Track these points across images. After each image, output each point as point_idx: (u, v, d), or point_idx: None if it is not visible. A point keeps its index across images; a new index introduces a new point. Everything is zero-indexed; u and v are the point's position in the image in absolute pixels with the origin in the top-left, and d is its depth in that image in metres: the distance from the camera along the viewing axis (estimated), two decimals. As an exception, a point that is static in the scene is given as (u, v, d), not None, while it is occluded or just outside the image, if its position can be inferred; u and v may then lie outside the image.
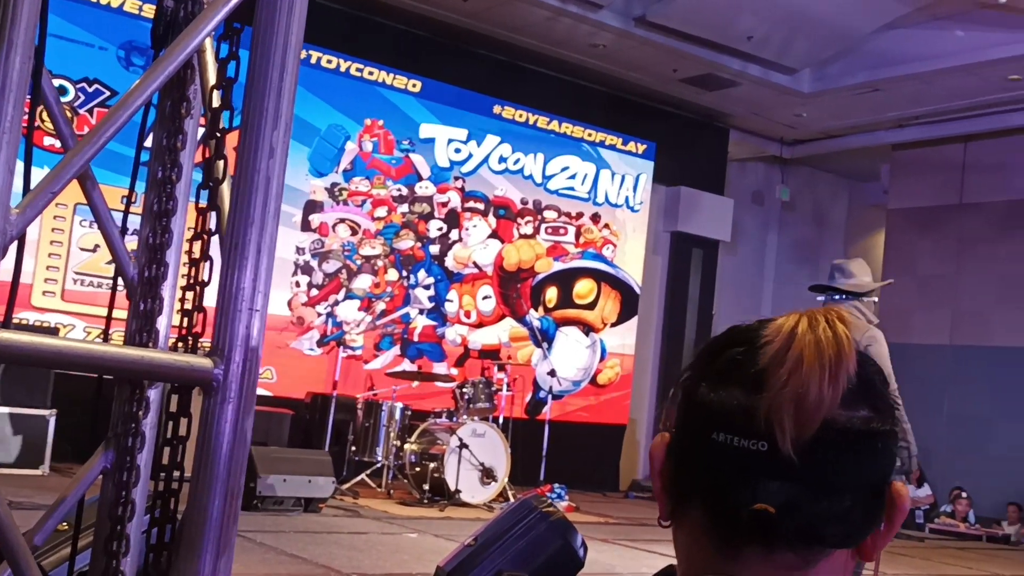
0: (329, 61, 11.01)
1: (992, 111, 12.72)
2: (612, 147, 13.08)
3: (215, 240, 1.76)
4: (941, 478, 12.56)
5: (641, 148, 13.29)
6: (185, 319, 1.75)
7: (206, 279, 1.76)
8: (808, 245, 15.72)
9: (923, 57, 11.73)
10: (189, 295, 1.75)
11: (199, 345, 1.75)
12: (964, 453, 12.49)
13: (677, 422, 0.89)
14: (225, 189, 1.76)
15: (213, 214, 1.77)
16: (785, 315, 0.87)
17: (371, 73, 11.37)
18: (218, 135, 1.78)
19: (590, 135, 12.91)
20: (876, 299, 5.92)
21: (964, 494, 12.10)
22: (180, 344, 1.75)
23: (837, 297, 5.82)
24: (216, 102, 1.80)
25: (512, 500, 8.34)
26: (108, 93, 9.75)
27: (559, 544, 3.77)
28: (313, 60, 10.85)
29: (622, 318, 13.10)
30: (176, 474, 1.71)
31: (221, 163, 1.77)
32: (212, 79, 1.84)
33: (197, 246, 1.77)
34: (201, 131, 1.90)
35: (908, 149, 14.08)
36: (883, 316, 14.99)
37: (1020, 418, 12.31)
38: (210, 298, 1.74)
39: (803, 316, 0.86)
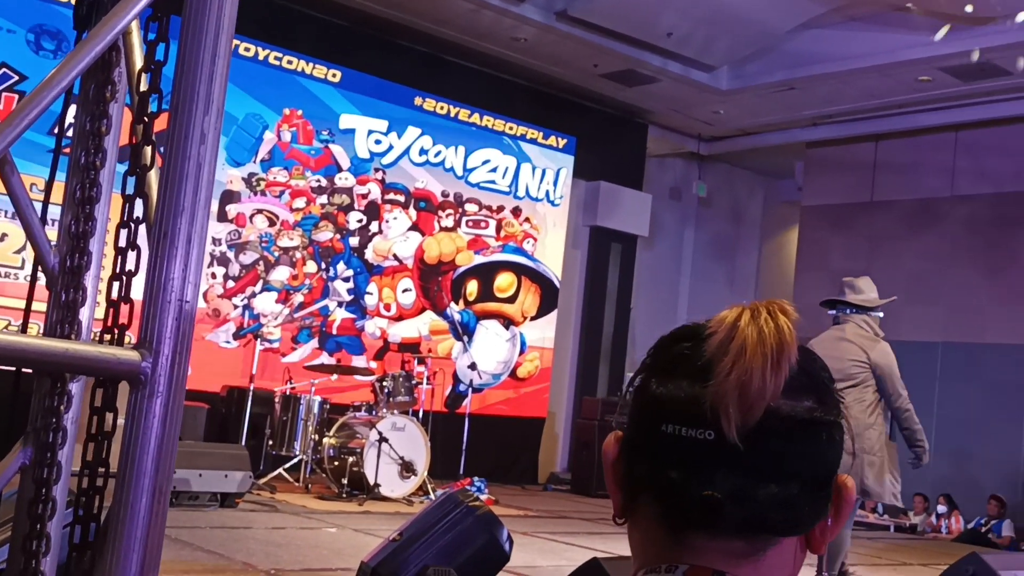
0: (247, 49, 10.82)
1: (903, 111, 13.03)
2: (533, 141, 13.10)
3: (141, 228, 1.70)
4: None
5: (562, 143, 13.34)
6: (111, 310, 1.68)
7: (133, 269, 1.70)
8: (724, 241, 15.94)
9: (837, 57, 11.97)
10: (115, 285, 1.68)
11: (125, 337, 1.69)
12: (873, 445, 12.78)
13: (629, 419, 0.91)
14: (153, 176, 1.70)
15: (139, 201, 1.71)
16: (729, 307, 0.88)
17: (290, 62, 11.20)
18: (146, 120, 1.72)
19: (511, 128, 12.91)
20: (881, 314, 6.40)
21: (873, 485, 12.38)
22: (106, 336, 1.69)
23: (848, 311, 6.29)
24: (144, 86, 1.74)
25: (432, 494, 8.31)
26: (16, 78, 9.45)
27: (486, 538, 3.76)
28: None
29: (542, 312, 13.14)
30: (101, 471, 1.65)
31: (149, 149, 1.71)
32: (139, 62, 1.78)
33: (124, 234, 1.71)
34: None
35: (822, 147, 14.36)
36: (797, 311, 15.27)
37: (925, 411, 12.63)
38: (136, 289, 1.68)
39: (746, 308, 0.87)
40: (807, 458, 0.86)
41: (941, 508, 12.09)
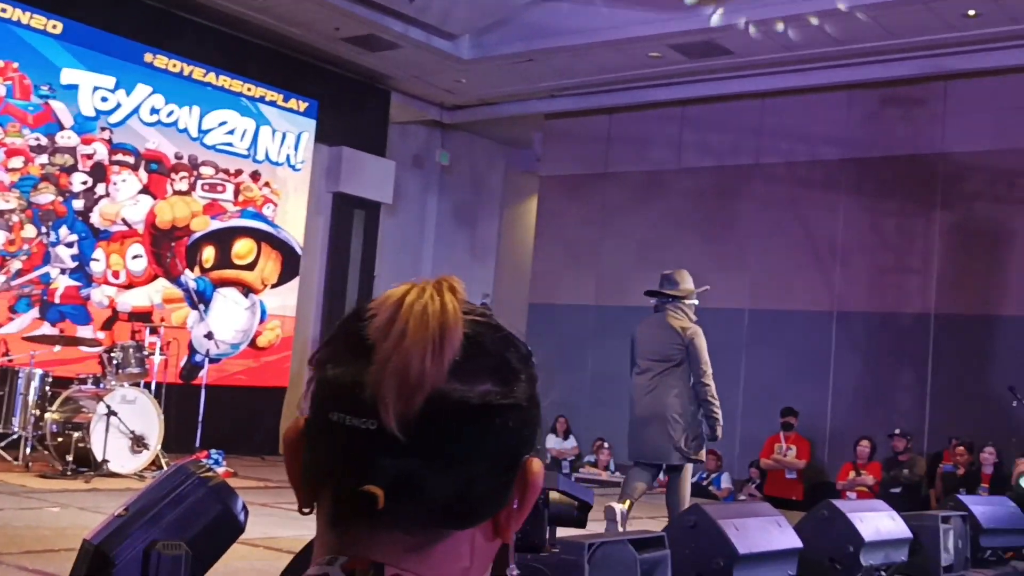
0: (-46, -7, 9.91)
1: (634, 86, 13.57)
2: (273, 103, 12.72)
3: None
4: (585, 430, 13.36)
5: (303, 106, 13.03)
6: None
7: None
8: (466, 209, 16.12)
9: (573, 31, 12.30)
10: None
11: None
12: (606, 407, 13.30)
13: (309, 404, 0.85)
14: None
15: None
16: (398, 285, 0.84)
17: (4, 11, 10.35)
18: None
19: (249, 90, 12.48)
20: (696, 302, 7.32)
21: (606, 445, 12.93)
22: None
23: (666, 301, 7.22)
24: None
25: (166, 468, 7.96)
26: None
27: (219, 510, 3.62)
28: (-66, -10, 9.72)
29: (283, 279, 12.84)
30: None
31: None
32: None
33: None
34: None
35: (559, 119, 14.75)
36: (535, 278, 15.65)
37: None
38: None
39: (413, 287, 0.83)
40: (481, 446, 0.81)
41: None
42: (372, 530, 0.81)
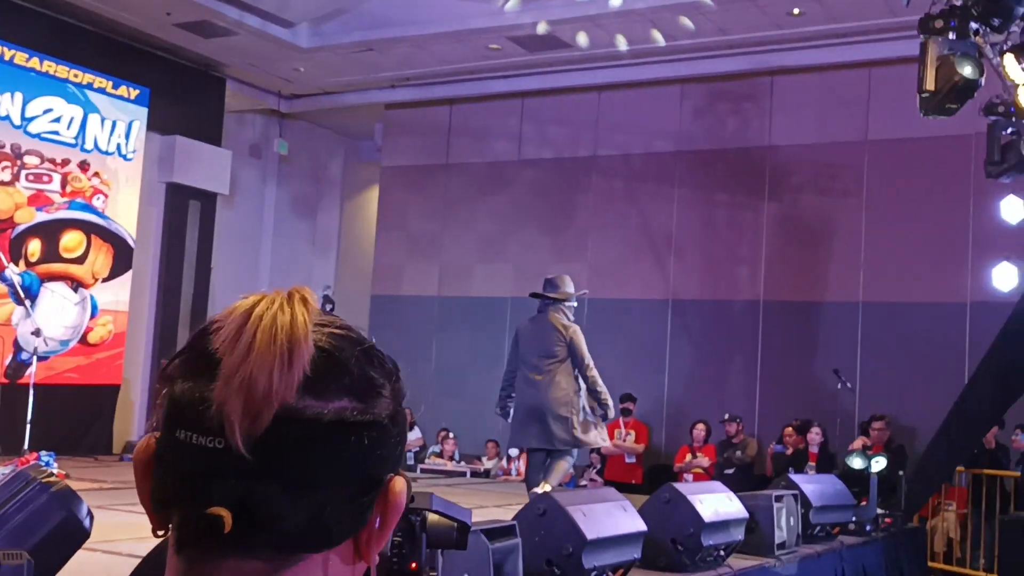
0: None
1: (475, 77, 13.63)
2: (101, 90, 12.22)
3: None
4: (430, 421, 13.37)
5: (134, 93, 12.56)
6: None
7: None
8: (306, 200, 15.89)
9: (413, 21, 12.26)
10: None
11: None
12: (450, 397, 13.36)
13: (161, 422, 0.82)
14: None
15: None
16: (247, 295, 0.80)
17: None
18: None
19: (76, 76, 11.95)
20: (575, 304, 8.00)
21: (450, 435, 12.98)
22: None
23: (549, 303, 7.81)
24: None
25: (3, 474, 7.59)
26: None
27: (63, 516, 3.48)
28: None
29: (115, 273, 12.36)
30: None
31: None
32: None
33: None
34: None
35: (400, 109, 14.68)
36: (377, 270, 15.53)
37: (495, 363, 13.41)
38: None
39: (263, 297, 0.79)
40: (335, 465, 0.78)
41: (513, 452, 12.92)
42: (220, 555, 0.77)
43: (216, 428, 0.76)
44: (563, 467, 7.73)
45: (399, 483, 0.83)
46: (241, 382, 0.75)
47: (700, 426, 11.56)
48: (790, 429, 11.11)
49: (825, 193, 12.16)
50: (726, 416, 11.52)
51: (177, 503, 0.79)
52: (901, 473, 8.98)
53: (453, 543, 2.11)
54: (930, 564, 9.54)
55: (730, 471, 10.89)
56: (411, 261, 14.39)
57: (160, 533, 0.83)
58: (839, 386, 11.11)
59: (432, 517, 2.08)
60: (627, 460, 11.93)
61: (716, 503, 5.94)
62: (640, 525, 5.20)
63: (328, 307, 14.21)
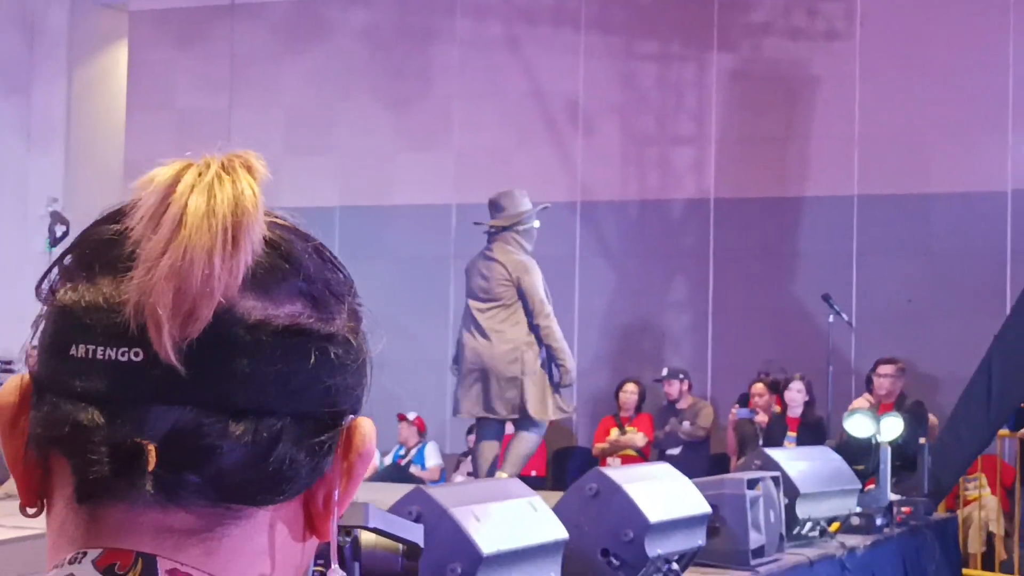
0: None
1: None
2: None
3: None
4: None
5: None
6: None
7: None
8: (15, 69, 15.44)
9: None
10: None
11: None
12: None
13: (39, 348, 0.86)
14: None
15: None
16: (170, 163, 0.85)
17: None
18: None
19: None
20: (536, 224, 8.54)
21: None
22: None
23: (495, 232, 8.42)
24: None
25: None
26: None
27: None
28: None
29: None
30: None
31: None
32: None
33: None
34: None
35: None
36: (129, 171, 15.22)
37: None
38: None
39: (190, 164, 0.84)
40: (290, 386, 0.83)
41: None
42: (135, 509, 0.81)
43: (133, 335, 0.80)
44: (526, 446, 8.45)
45: (367, 424, 0.89)
46: (172, 266, 0.79)
47: (629, 387, 11.69)
48: (760, 386, 11.29)
49: (801, 36, 12.28)
50: (665, 372, 11.65)
51: (73, 445, 0.82)
52: (922, 442, 9.21)
53: (399, 572, 2.05)
54: (964, 573, 9.78)
55: (675, 450, 11.07)
56: (181, 155, 14.08)
57: (31, 511, 0.87)
58: (830, 319, 11.26)
59: (368, 538, 2.00)
60: (521, 442, 12.00)
61: (665, 494, 6.00)
62: (559, 531, 5.23)
63: (60, 229, 13.94)
